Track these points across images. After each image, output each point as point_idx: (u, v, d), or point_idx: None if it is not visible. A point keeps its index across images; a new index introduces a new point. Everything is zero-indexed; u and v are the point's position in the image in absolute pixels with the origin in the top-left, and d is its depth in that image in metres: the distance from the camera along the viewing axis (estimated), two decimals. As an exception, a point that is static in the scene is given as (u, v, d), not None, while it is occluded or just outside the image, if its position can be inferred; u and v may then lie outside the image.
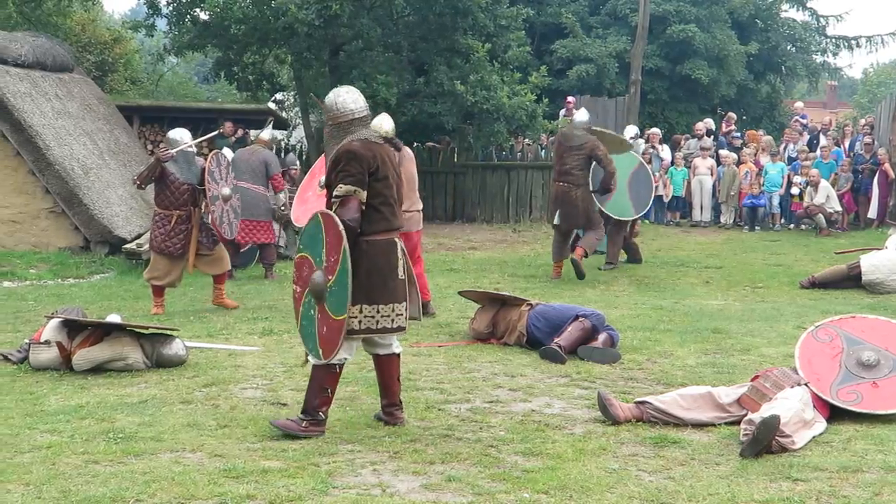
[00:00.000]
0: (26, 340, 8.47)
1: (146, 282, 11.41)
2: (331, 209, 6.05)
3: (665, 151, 20.96)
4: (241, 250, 14.13)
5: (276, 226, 14.55)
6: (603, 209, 13.81)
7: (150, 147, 21.02)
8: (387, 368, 6.37)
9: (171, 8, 20.60)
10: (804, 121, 22.91)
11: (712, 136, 21.95)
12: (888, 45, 31.78)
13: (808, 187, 18.78)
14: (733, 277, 13.77)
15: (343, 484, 5.19)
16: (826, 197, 18.56)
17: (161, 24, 21.51)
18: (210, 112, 21.90)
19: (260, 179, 13.86)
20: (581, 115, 13.51)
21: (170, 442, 5.93)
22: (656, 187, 18.00)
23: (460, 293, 10.22)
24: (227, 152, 13.87)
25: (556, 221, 13.28)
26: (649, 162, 17.95)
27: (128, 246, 15.84)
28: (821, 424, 6.14)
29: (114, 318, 8.62)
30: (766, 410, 5.86)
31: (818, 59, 31.59)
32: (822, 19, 31.06)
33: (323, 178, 7.37)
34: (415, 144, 21.66)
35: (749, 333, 9.40)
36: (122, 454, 5.67)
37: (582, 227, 13.23)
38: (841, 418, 6.34)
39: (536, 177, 20.41)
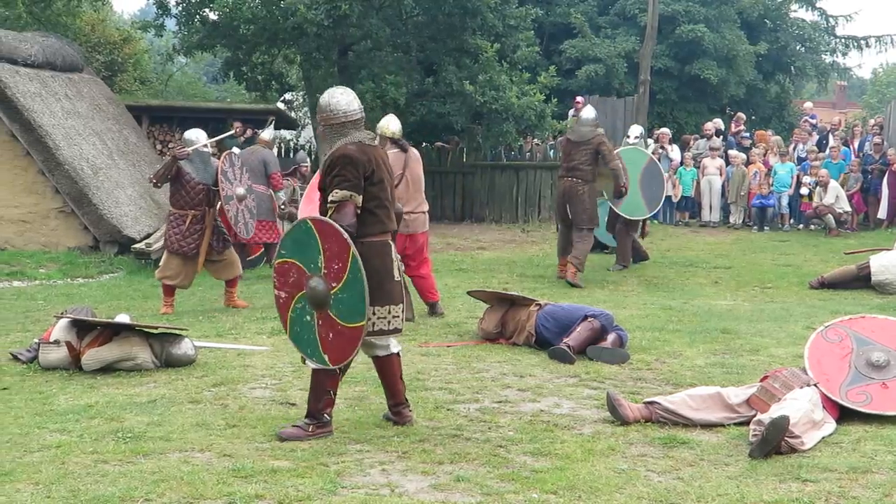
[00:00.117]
0: (36, 340, 8.49)
1: (158, 280, 11.44)
2: (326, 213, 6.04)
3: (674, 152, 20.93)
4: (249, 258, 14.14)
5: (280, 224, 14.55)
6: (617, 210, 13.80)
7: (158, 147, 21.08)
8: (388, 369, 6.35)
9: (180, 8, 20.67)
10: (813, 121, 22.86)
11: (721, 137, 21.89)
12: (897, 45, 31.63)
13: (818, 187, 18.74)
14: (742, 278, 13.75)
15: (352, 484, 5.19)
16: (835, 197, 18.53)
17: (170, 24, 21.61)
18: (219, 112, 21.96)
19: (261, 179, 13.91)
20: (588, 112, 13.49)
21: (179, 441, 5.94)
22: (668, 183, 17.96)
23: (469, 293, 10.21)
24: (236, 152, 13.90)
25: (563, 218, 13.25)
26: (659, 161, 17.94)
27: (137, 246, 15.89)
28: (830, 425, 6.12)
29: (123, 317, 8.63)
30: (775, 411, 5.84)
31: (827, 59, 31.51)
32: (831, 19, 30.98)
33: None
34: (424, 144, 21.70)
35: (758, 334, 9.38)
36: (131, 454, 5.67)
37: (584, 225, 13.08)
38: (850, 419, 6.32)
39: (545, 177, 20.41)
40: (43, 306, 11.85)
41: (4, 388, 7.52)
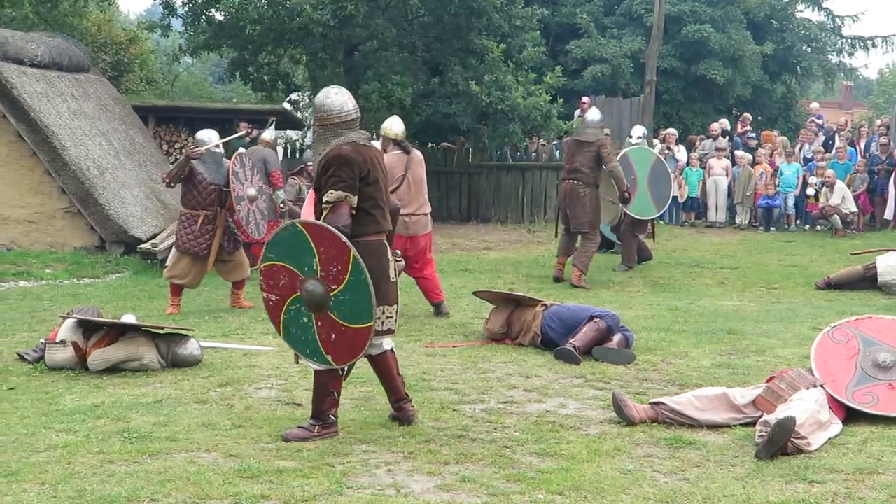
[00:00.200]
0: (42, 340, 8.50)
1: (166, 279, 11.46)
2: (321, 214, 6.03)
3: (681, 152, 20.92)
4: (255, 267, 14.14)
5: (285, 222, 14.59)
6: (627, 211, 13.77)
7: (165, 147, 21.10)
8: (384, 366, 6.34)
9: (186, 8, 20.68)
10: (820, 121, 22.82)
11: (727, 137, 21.88)
12: (904, 45, 31.56)
13: (824, 188, 18.72)
14: (748, 278, 13.73)
15: (357, 484, 5.20)
16: (842, 198, 18.51)
17: (176, 24, 21.60)
18: (225, 112, 21.96)
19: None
20: (593, 114, 13.44)
21: (185, 442, 5.94)
22: (674, 183, 17.95)
23: (475, 293, 10.21)
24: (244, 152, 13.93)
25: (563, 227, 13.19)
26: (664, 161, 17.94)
27: (143, 246, 15.90)
28: (836, 426, 6.11)
29: (129, 318, 8.64)
30: (781, 412, 5.83)
31: (834, 59, 31.48)
32: (837, 19, 30.93)
33: None
34: (429, 145, 21.74)
35: (764, 334, 9.37)
36: (137, 454, 5.68)
37: (585, 229, 12.97)
38: (857, 420, 6.31)
39: (551, 177, 20.38)
40: (49, 306, 11.86)
41: (11, 388, 7.54)
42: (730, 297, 12.24)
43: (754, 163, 20.30)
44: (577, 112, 21.85)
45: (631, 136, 15.65)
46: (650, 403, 6.43)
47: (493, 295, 9.68)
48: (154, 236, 16.36)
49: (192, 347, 8.19)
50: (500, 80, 19.33)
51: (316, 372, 6.09)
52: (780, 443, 5.56)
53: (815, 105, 26.07)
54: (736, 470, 5.42)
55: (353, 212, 6.01)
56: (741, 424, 6.19)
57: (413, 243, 10.36)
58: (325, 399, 6.07)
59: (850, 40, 31.30)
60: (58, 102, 17.32)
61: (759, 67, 27.23)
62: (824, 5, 30.71)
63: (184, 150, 14.19)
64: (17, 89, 16.53)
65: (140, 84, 29.76)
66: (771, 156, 20.57)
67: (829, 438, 5.93)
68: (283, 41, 20.36)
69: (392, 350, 6.36)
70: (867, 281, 12.53)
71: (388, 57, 19.86)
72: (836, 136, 21.47)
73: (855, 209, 18.80)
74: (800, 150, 21.08)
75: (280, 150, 21.32)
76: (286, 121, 23.14)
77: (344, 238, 5.76)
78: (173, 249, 11.43)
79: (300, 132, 25.43)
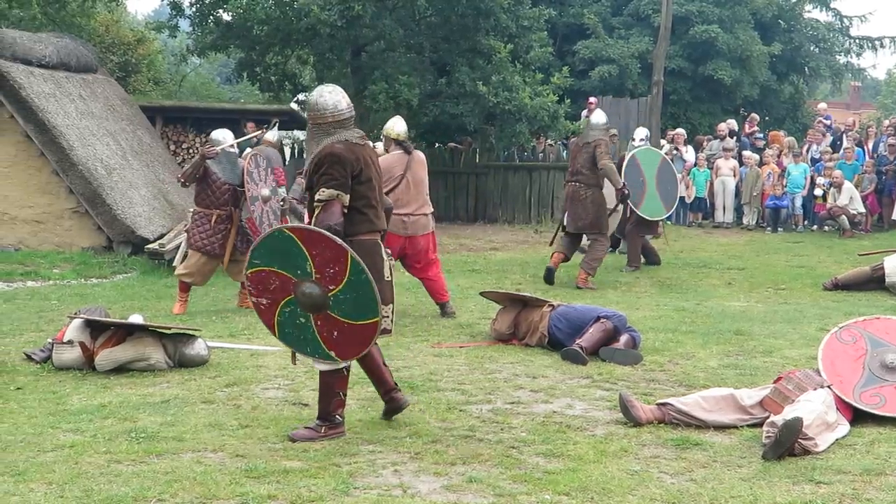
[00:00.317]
0: (49, 340, 8.52)
1: (176, 276, 11.51)
2: (313, 212, 6.01)
3: (689, 153, 20.91)
4: None
5: (290, 219, 14.56)
6: (638, 212, 13.75)
7: (172, 147, 21.13)
8: (371, 360, 6.33)
9: (194, 9, 20.71)
10: (827, 122, 22.78)
11: (735, 137, 21.86)
12: (912, 45, 31.54)
13: (832, 188, 18.69)
14: (756, 279, 13.71)
15: (364, 484, 5.20)
16: (849, 198, 18.48)
17: (184, 24, 21.64)
18: (233, 113, 22.00)
19: None
20: (597, 117, 13.38)
21: (192, 442, 5.95)
22: (681, 183, 17.93)
23: (482, 294, 10.21)
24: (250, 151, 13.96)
25: (566, 226, 13.13)
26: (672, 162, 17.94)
27: (150, 246, 15.93)
28: (844, 427, 6.10)
29: (136, 318, 8.66)
30: (788, 413, 5.82)
31: (841, 59, 31.42)
32: (845, 20, 30.88)
33: None
34: (437, 145, 21.75)
35: (771, 335, 9.36)
36: (144, 454, 5.69)
37: (588, 231, 12.95)
38: (864, 421, 6.30)
39: (558, 177, 20.34)
40: (57, 306, 11.88)
41: (18, 388, 7.55)
42: (737, 297, 12.22)
43: (762, 163, 20.28)
44: (584, 112, 21.82)
45: (634, 139, 15.61)
46: (657, 404, 6.43)
47: (499, 295, 9.67)
48: (161, 236, 16.39)
49: (199, 347, 8.20)
50: (507, 81, 19.33)
51: (321, 373, 6.09)
52: (788, 444, 5.55)
53: (822, 105, 26.05)
54: (743, 471, 5.41)
55: (345, 210, 6.00)
56: (748, 425, 6.18)
57: (412, 243, 10.37)
58: (332, 400, 6.07)
59: (858, 41, 31.25)
60: (65, 103, 17.36)
61: (767, 68, 27.19)
62: (832, 5, 30.69)
63: (199, 150, 14.24)
64: (25, 90, 16.59)
65: (147, 84, 29.83)
66: (778, 156, 20.55)
67: (837, 439, 5.92)
68: (291, 42, 20.37)
69: (376, 343, 6.29)
70: (875, 282, 12.51)
71: (395, 57, 19.87)
72: (844, 136, 21.44)
73: (863, 210, 18.77)
74: (807, 150, 21.05)
75: (287, 150, 21.36)
76: (293, 121, 23.17)
77: (339, 240, 5.72)
78: (183, 246, 11.48)
79: (306, 132, 25.44)
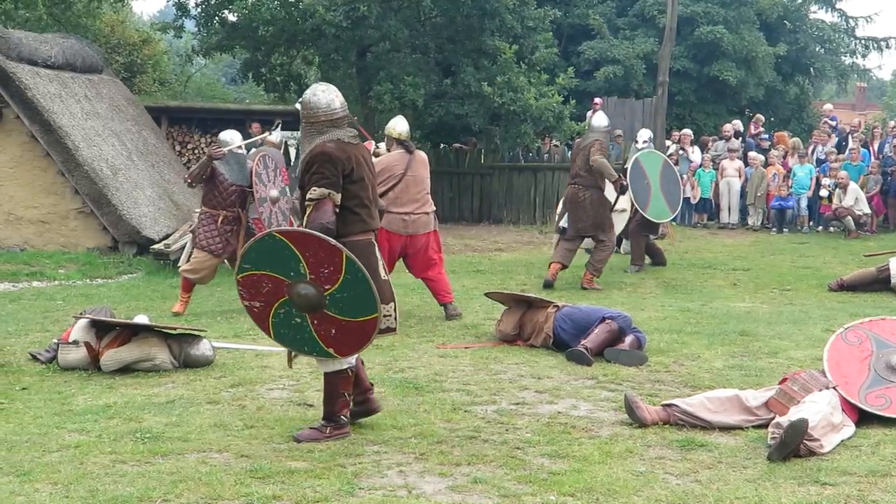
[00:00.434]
0: (55, 340, 8.52)
1: (180, 273, 11.54)
2: (304, 211, 6.00)
3: (695, 153, 20.90)
4: None
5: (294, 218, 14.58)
6: (645, 215, 13.74)
7: (177, 148, 21.14)
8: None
9: (199, 9, 20.73)
10: (833, 122, 22.75)
11: (740, 138, 21.84)
12: (918, 46, 31.53)
13: (837, 189, 18.68)
14: (761, 280, 13.69)
15: (369, 485, 5.20)
16: (855, 199, 18.47)
17: (189, 25, 21.68)
18: (238, 113, 22.00)
19: None
20: (598, 119, 13.33)
21: (196, 442, 5.95)
22: (685, 185, 17.90)
23: (486, 294, 10.20)
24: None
25: (561, 225, 13.07)
26: (676, 163, 17.94)
27: (156, 246, 15.93)
28: (849, 428, 6.09)
29: (141, 318, 8.66)
30: (793, 414, 5.82)
31: (847, 60, 31.44)
32: (850, 20, 30.87)
33: None
34: (442, 145, 21.75)
35: (777, 336, 9.35)
36: (149, 454, 5.69)
37: (590, 233, 12.85)
38: (870, 422, 6.29)
39: (563, 178, 20.17)
40: (62, 306, 11.89)
41: (24, 388, 7.56)
42: (742, 298, 12.20)
43: (767, 164, 20.26)
44: (590, 113, 21.83)
45: (637, 141, 15.60)
46: (662, 405, 6.42)
47: (504, 296, 9.67)
48: (167, 237, 16.39)
49: (204, 348, 8.20)
50: (512, 81, 19.34)
51: (326, 374, 6.09)
52: (793, 445, 5.54)
53: (828, 106, 26.01)
54: (748, 472, 5.41)
55: (337, 210, 5.99)
56: (753, 426, 6.18)
57: (412, 242, 10.37)
58: (336, 400, 6.07)
59: (863, 41, 31.24)
60: (71, 103, 17.37)
61: (772, 68, 27.19)
62: (838, 6, 30.70)
63: (204, 151, 14.25)
64: (31, 90, 16.59)
65: (153, 85, 29.85)
66: (784, 157, 20.54)
67: (842, 441, 5.91)
68: (296, 42, 20.41)
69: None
70: (880, 283, 12.48)
71: (400, 58, 19.89)
72: (850, 137, 21.40)
73: (868, 210, 18.75)
74: (813, 151, 21.02)
75: (293, 150, 21.34)
76: (298, 122, 23.11)
77: (332, 241, 5.69)
78: (188, 246, 11.49)
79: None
